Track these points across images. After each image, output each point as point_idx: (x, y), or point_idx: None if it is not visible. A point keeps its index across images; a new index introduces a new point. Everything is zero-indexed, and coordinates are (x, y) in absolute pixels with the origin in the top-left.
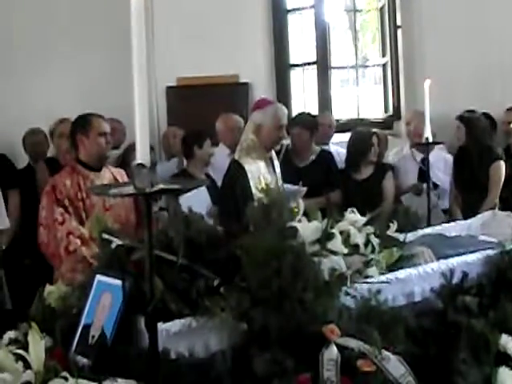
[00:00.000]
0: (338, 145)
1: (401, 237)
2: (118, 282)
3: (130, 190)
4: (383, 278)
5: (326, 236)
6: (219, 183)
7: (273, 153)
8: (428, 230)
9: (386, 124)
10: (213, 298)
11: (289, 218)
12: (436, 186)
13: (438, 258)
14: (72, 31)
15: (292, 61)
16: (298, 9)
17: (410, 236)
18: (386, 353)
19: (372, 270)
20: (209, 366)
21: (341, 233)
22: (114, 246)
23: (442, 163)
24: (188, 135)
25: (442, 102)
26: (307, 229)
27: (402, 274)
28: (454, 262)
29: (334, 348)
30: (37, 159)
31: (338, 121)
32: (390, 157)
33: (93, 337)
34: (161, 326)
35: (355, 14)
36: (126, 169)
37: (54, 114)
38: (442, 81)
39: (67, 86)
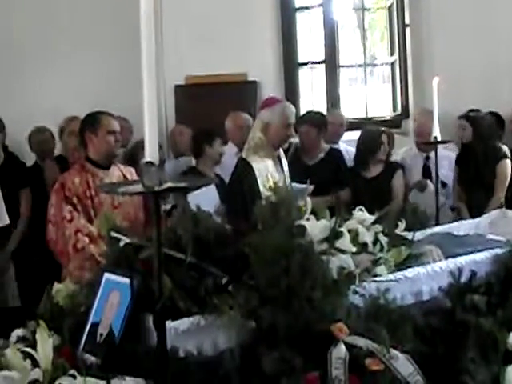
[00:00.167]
0: (346, 143)
1: (409, 235)
2: (127, 280)
3: (139, 188)
4: (391, 276)
5: (335, 234)
6: (227, 181)
7: (281, 151)
8: (436, 229)
9: (395, 123)
10: (221, 296)
11: (297, 217)
12: (444, 184)
13: (447, 257)
14: (78, 30)
15: (300, 59)
16: (306, 7)
17: (419, 235)
18: (394, 351)
19: (380, 269)
20: (217, 364)
21: (349, 231)
22: (122, 244)
23: (446, 161)
24: (198, 133)
25: (450, 100)
26: (315, 227)
27: (410, 272)
28: (462, 260)
29: (343, 346)
30: (43, 157)
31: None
32: (400, 155)
33: (101, 335)
34: (169, 324)
35: (364, 13)
36: (135, 167)
37: (61, 112)
38: (450, 79)
39: (74, 84)
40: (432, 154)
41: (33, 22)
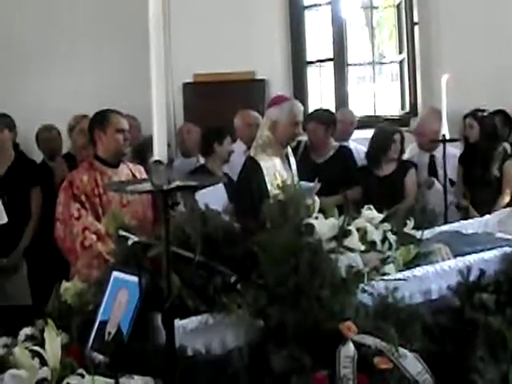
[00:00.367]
0: (355, 141)
1: (418, 234)
2: (135, 279)
3: (147, 186)
4: (400, 275)
5: (343, 233)
6: (236, 180)
7: (289, 149)
8: (445, 228)
9: (403, 121)
10: (230, 295)
11: (305, 215)
12: (453, 183)
13: (455, 256)
14: (87, 30)
15: (309, 57)
16: (314, 5)
17: (427, 233)
18: (402, 350)
19: (389, 268)
20: (225, 363)
21: (358, 230)
22: (130, 242)
23: (451, 159)
24: (208, 131)
25: (458, 98)
26: (324, 226)
27: (419, 271)
28: (470, 259)
29: (351, 345)
30: (50, 155)
31: None
32: (407, 154)
33: (109, 333)
34: (178, 322)
35: (372, 11)
36: (143, 163)
37: (69, 111)
38: (458, 78)
39: (82, 83)
40: (436, 153)
41: (34, 21)
